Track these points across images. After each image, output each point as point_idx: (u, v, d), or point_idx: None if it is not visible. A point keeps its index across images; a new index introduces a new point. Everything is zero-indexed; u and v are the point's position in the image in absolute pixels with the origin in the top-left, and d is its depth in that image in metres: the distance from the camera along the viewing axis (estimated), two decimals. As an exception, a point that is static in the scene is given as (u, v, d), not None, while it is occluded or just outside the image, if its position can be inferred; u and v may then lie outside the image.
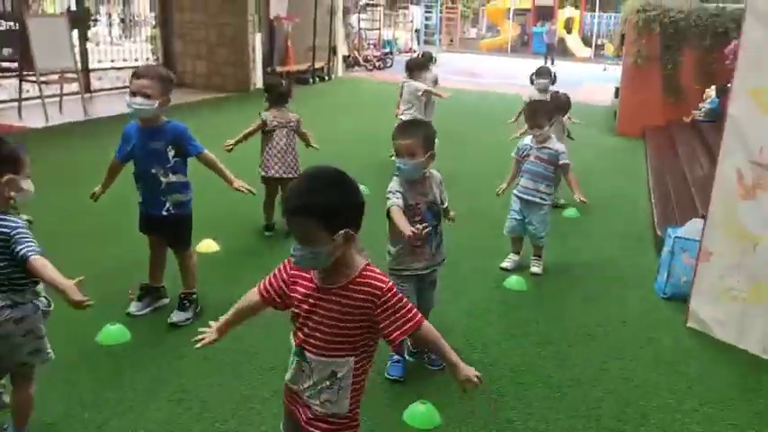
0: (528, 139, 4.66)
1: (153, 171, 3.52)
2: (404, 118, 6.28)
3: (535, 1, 29.91)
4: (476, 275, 4.58)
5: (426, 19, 30.28)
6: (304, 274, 1.96)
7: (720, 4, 10.06)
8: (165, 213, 3.59)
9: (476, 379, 1.99)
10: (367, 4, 23.17)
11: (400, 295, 1.94)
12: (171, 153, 3.52)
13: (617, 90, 11.57)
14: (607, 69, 18.93)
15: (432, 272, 3.25)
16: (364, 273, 1.91)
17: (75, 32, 10.94)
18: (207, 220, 5.00)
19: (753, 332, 3.67)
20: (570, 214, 5.99)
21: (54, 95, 9.91)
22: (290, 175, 4.98)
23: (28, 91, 9.53)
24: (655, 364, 3.52)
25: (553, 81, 6.89)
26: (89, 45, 12.19)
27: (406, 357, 3.33)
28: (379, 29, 23.33)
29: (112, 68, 12.62)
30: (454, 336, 3.65)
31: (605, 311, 4.12)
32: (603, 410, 3.06)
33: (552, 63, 21.51)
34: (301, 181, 1.90)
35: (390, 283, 1.93)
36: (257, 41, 13.51)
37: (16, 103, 9.43)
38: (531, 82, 7.02)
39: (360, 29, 21.55)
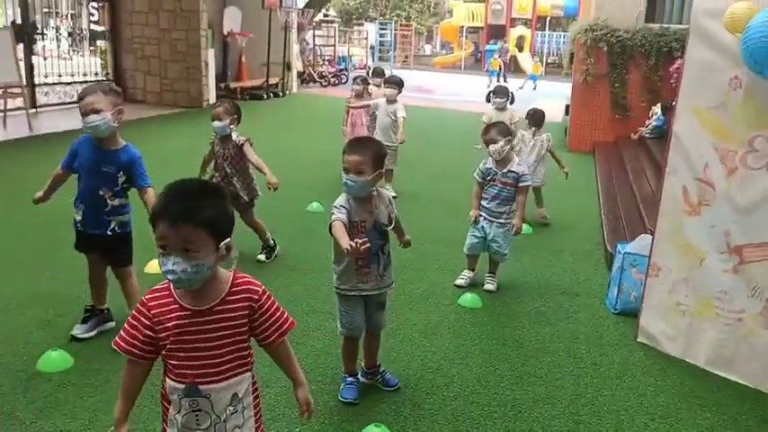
0: (490, 163, 4.59)
1: (101, 192, 3.48)
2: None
3: (488, 19, 30.52)
4: (430, 293, 4.57)
5: (381, 36, 30.56)
6: (166, 307, 1.81)
7: (665, 25, 10.41)
8: (109, 233, 3.54)
9: (311, 407, 2.04)
10: (322, 21, 23.25)
11: (273, 297, 1.91)
12: (121, 179, 3.50)
13: (567, 107, 11.84)
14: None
15: (380, 294, 3.16)
16: (237, 281, 1.85)
17: (21, 46, 10.65)
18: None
19: (698, 346, 3.75)
20: (523, 231, 6.04)
21: (-3, 111, 9.63)
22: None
23: (-31, 106, 9.25)
24: (607, 380, 3.55)
25: (511, 101, 6.92)
26: (35, 59, 11.84)
27: (360, 379, 3.28)
28: (334, 45, 23.40)
29: (60, 83, 12.26)
30: (409, 355, 3.63)
31: (558, 328, 4.16)
32: (557, 429, 3.07)
33: (505, 80, 21.88)
34: (181, 189, 1.77)
35: (263, 286, 1.89)
36: (210, 57, 13.38)
37: (-43, 119, 9.14)
38: (488, 100, 7.02)
39: (315, 45, 21.57)
